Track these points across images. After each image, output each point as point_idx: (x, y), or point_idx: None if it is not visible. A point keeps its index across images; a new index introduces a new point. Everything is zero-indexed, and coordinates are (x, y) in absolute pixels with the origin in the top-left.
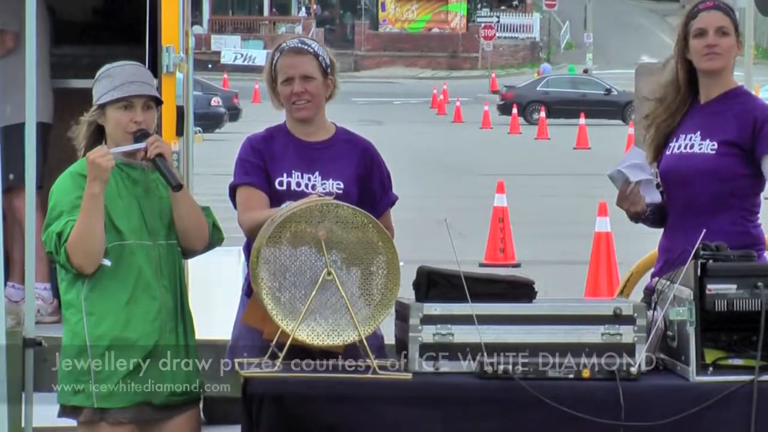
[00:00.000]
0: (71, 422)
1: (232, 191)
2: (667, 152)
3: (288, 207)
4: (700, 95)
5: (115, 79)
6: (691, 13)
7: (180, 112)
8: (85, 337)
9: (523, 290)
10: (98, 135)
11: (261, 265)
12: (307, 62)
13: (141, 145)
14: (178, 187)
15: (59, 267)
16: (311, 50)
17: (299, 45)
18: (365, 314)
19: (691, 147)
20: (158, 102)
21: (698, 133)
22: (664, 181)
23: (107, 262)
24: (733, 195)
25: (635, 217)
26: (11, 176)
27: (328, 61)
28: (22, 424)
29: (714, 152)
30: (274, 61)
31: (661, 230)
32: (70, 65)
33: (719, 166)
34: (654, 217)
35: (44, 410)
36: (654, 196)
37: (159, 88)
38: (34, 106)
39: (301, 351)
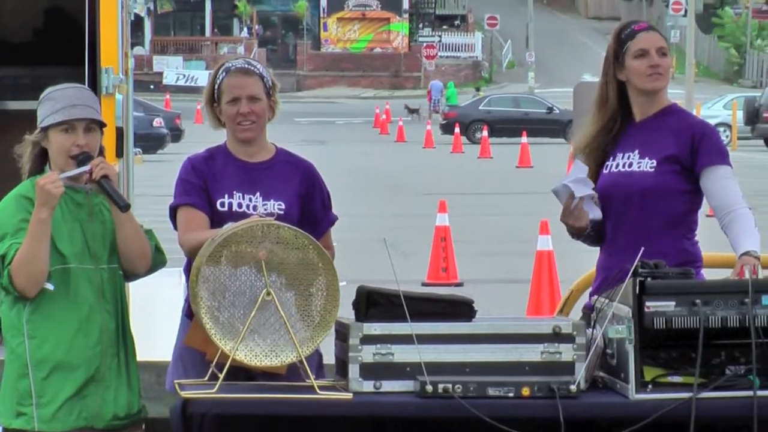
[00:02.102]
0: None
1: (173, 212)
2: (605, 171)
3: (229, 227)
4: (634, 114)
5: (57, 102)
6: (626, 35)
7: (119, 134)
8: (27, 359)
9: (462, 309)
10: (42, 157)
11: (200, 284)
12: (254, 83)
13: (86, 168)
14: (126, 207)
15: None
16: (257, 71)
17: (246, 66)
18: (304, 335)
19: (630, 165)
20: (101, 125)
21: (636, 151)
22: (603, 199)
23: (50, 287)
24: (671, 212)
25: (576, 234)
26: None
27: (270, 83)
28: None
29: (653, 170)
30: (218, 81)
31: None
32: (9, 87)
33: (659, 183)
34: (594, 234)
35: None
36: (595, 213)
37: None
38: None
39: (242, 372)
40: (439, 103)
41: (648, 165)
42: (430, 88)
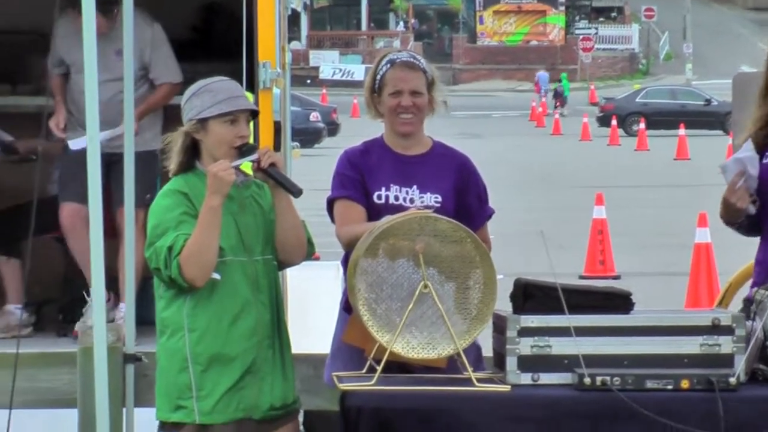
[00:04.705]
0: None
1: (330, 205)
2: (765, 161)
3: (387, 220)
4: None
5: (217, 93)
6: None
7: (277, 128)
8: (187, 353)
9: (620, 301)
10: (192, 150)
11: (358, 276)
12: (417, 78)
13: (254, 157)
14: (299, 192)
15: (160, 283)
16: (421, 66)
17: (411, 60)
18: (461, 328)
19: None
20: (254, 116)
21: None
22: (765, 188)
23: (217, 276)
24: None
25: (733, 216)
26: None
27: (431, 78)
28: None
29: None
30: (381, 72)
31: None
32: None
33: None
34: (746, 223)
35: (144, 425)
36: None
37: (256, 104)
38: (132, 128)
39: (397, 366)
40: (548, 95)
41: None
42: (537, 79)
